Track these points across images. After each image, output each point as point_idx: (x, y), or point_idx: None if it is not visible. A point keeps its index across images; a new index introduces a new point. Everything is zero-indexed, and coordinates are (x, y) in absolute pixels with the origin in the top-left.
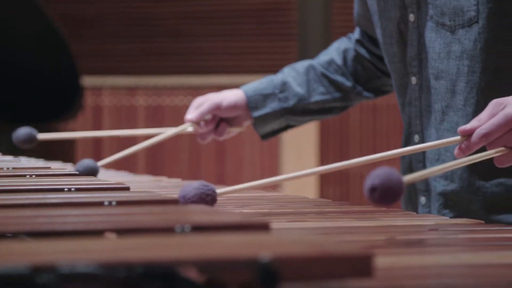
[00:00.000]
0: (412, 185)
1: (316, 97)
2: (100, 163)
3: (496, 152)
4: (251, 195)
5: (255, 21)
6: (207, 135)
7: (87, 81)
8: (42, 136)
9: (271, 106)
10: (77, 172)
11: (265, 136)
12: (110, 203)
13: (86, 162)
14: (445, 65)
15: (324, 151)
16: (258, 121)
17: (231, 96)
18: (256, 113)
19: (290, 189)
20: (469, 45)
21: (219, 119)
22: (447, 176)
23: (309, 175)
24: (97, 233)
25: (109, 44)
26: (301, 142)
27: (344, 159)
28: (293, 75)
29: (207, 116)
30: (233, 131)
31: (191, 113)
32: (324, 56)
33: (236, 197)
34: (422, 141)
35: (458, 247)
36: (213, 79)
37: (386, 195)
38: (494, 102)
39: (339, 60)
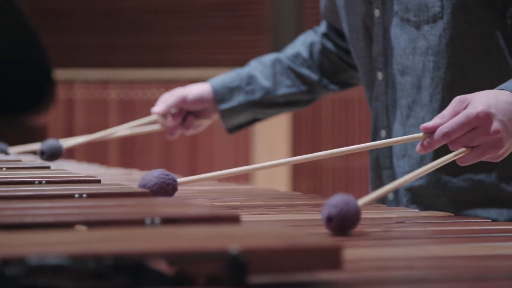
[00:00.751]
0: (379, 181)
1: (282, 90)
2: (65, 144)
3: (457, 155)
4: (222, 188)
5: (228, 15)
6: (174, 129)
7: (59, 74)
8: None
9: (238, 99)
10: (43, 154)
11: (232, 130)
12: (80, 195)
13: (51, 142)
14: (410, 61)
15: (296, 145)
16: (225, 114)
17: (197, 89)
18: (223, 106)
19: (262, 182)
20: (434, 41)
21: (186, 113)
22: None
23: (275, 166)
24: (68, 225)
25: (81, 37)
26: (273, 136)
27: (316, 152)
28: (259, 68)
29: (173, 110)
30: (201, 124)
31: (157, 107)
32: (290, 49)
33: (207, 190)
34: (389, 136)
35: (426, 239)
36: (185, 73)
37: (343, 225)
38: (457, 99)
39: (305, 53)
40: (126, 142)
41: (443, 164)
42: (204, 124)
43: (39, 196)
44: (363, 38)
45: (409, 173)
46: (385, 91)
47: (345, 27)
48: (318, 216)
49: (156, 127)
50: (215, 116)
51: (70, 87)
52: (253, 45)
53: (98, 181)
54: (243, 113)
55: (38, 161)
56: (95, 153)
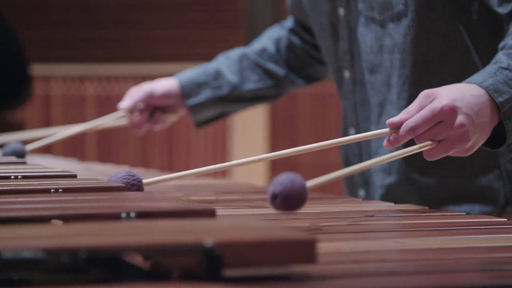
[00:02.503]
0: (351, 178)
1: (249, 85)
2: (28, 147)
3: (423, 147)
4: (199, 183)
5: (204, 9)
6: (141, 124)
7: (36, 69)
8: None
9: (205, 94)
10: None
11: (199, 124)
12: (56, 190)
13: (14, 146)
14: (378, 59)
15: (273, 139)
16: (192, 110)
17: (164, 84)
18: (190, 102)
19: (239, 177)
20: (399, 39)
21: (153, 108)
22: (385, 169)
23: (252, 162)
24: (43, 220)
25: (57, 32)
26: (250, 130)
27: (293, 147)
28: (226, 63)
29: (140, 105)
30: (168, 119)
31: (124, 102)
32: (257, 44)
33: (183, 184)
34: (357, 134)
35: (400, 232)
36: (162, 67)
37: (288, 202)
38: (423, 94)
39: (272, 48)
40: (104, 136)
41: (408, 153)
42: (171, 119)
43: (14, 191)
44: (330, 36)
45: (380, 171)
46: (352, 89)
47: (312, 25)
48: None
49: (123, 122)
50: (182, 111)
51: (47, 82)
52: (230, 40)
53: (74, 176)
54: (210, 108)
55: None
56: (72, 147)
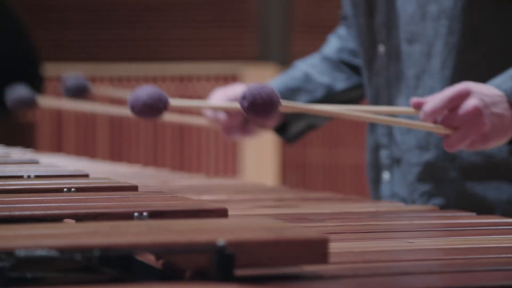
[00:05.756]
0: (376, 160)
1: (340, 85)
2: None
3: (440, 130)
4: (210, 183)
5: (215, 9)
6: (233, 129)
7: (48, 69)
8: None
9: (302, 100)
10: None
11: (292, 138)
12: (69, 189)
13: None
14: (420, 27)
15: None
16: (290, 119)
17: None
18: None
19: (250, 177)
20: (448, 4)
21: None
22: (422, 145)
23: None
24: (56, 219)
25: (69, 32)
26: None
27: (305, 145)
28: (311, 66)
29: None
30: (258, 132)
31: (215, 98)
32: (330, 45)
33: (195, 184)
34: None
35: (411, 232)
36: (172, 67)
37: (256, 103)
38: (458, 91)
39: (348, 44)
40: (115, 135)
41: (423, 128)
42: (259, 132)
43: (28, 190)
44: (363, 13)
45: (416, 148)
46: (387, 64)
47: (346, 5)
48: (304, 210)
49: (206, 121)
50: (273, 123)
51: (59, 82)
52: (240, 39)
53: (87, 175)
54: (305, 117)
55: (27, 155)
56: (83, 146)
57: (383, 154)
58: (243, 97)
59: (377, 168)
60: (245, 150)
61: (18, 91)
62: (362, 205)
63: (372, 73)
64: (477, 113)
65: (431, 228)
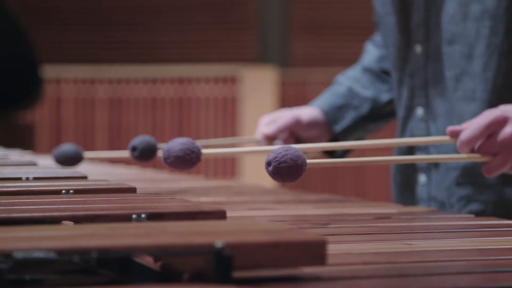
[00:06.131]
0: (410, 164)
1: (385, 96)
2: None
3: (477, 158)
4: (209, 184)
5: (214, 11)
6: None
7: (47, 71)
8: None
9: (349, 117)
10: (134, 150)
11: (340, 155)
12: (67, 191)
13: (66, 148)
14: (461, 28)
15: None
16: (340, 137)
17: (308, 111)
18: (338, 128)
19: (248, 179)
20: (491, 4)
21: (296, 138)
22: None
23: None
24: (54, 221)
25: (68, 34)
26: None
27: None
28: (353, 81)
29: (284, 134)
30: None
31: (266, 127)
32: (369, 55)
33: (194, 186)
34: (427, 113)
35: (410, 234)
36: (172, 69)
37: (281, 169)
38: (495, 118)
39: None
40: (114, 136)
41: (455, 160)
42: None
43: (26, 192)
44: (395, 11)
45: (455, 152)
46: (424, 64)
47: (377, 4)
48: (303, 212)
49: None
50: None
51: (58, 83)
52: (240, 41)
53: (85, 177)
54: (354, 132)
55: (26, 157)
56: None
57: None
58: (268, 163)
59: (409, 171)
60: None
61: (64, 149)
62: (360, 206)
63: (405, 73)
64: None
65: (429, 230)
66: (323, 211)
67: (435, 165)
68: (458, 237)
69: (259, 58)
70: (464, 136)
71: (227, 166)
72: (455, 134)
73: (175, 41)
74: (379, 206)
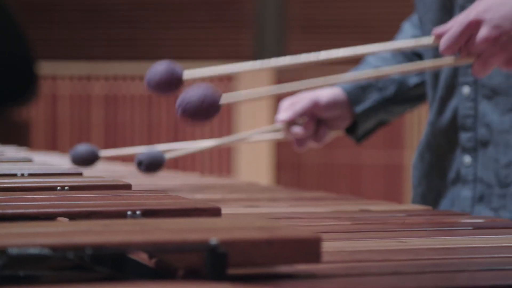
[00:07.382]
0: (454, 141)
1: (413, 80)
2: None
3: (462, 61)
4: (204, 182)
5: (211, 8)
6: (305, 140)
7: (43, 68)
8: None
9: (372, 97)
10: (141, 164)
11: (359, 139)
12: (62, 188)
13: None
14: None
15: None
16: (361, 118)
17: (328, 92)
18: (359, 108)
19: (244, 176)
20: None
21: (317, 121)
22: None
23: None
24: (49, 217)
25: (64, 31)
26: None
27: None
28: (382, 62)
29: (304, 118)
30: (329, 136)
31: (284, 113)
32: (404, 36)
33: (189, 183)
34: (474, 92)
35: (404, 232)
36: None
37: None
38: (469, 22)
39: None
40: (110, 134)
41: (446, 65)
42: (331, 135)
43: (21, 188)
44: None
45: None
46: None
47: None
48: (298, 209)
49: (279, 136)
50: (344, 125)
51: (54, 80)
52: (237, 39)
53: (80, 174)
54: (377, 114)
55: (21, 153)
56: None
57: (464, 137)
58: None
59: (443, 150)
60: (240, 150)
61: (81, 149)
62: (354, 203)
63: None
64: (488, 42)
65: (423, 228)
66: (318, 209)
67: (484, 144)
68: (451, 235)
69: (255, 56)
70: (443, 43)
71: (223, 164)
72: (439, 37)
73: (172, 38)
74: (374, 204)
